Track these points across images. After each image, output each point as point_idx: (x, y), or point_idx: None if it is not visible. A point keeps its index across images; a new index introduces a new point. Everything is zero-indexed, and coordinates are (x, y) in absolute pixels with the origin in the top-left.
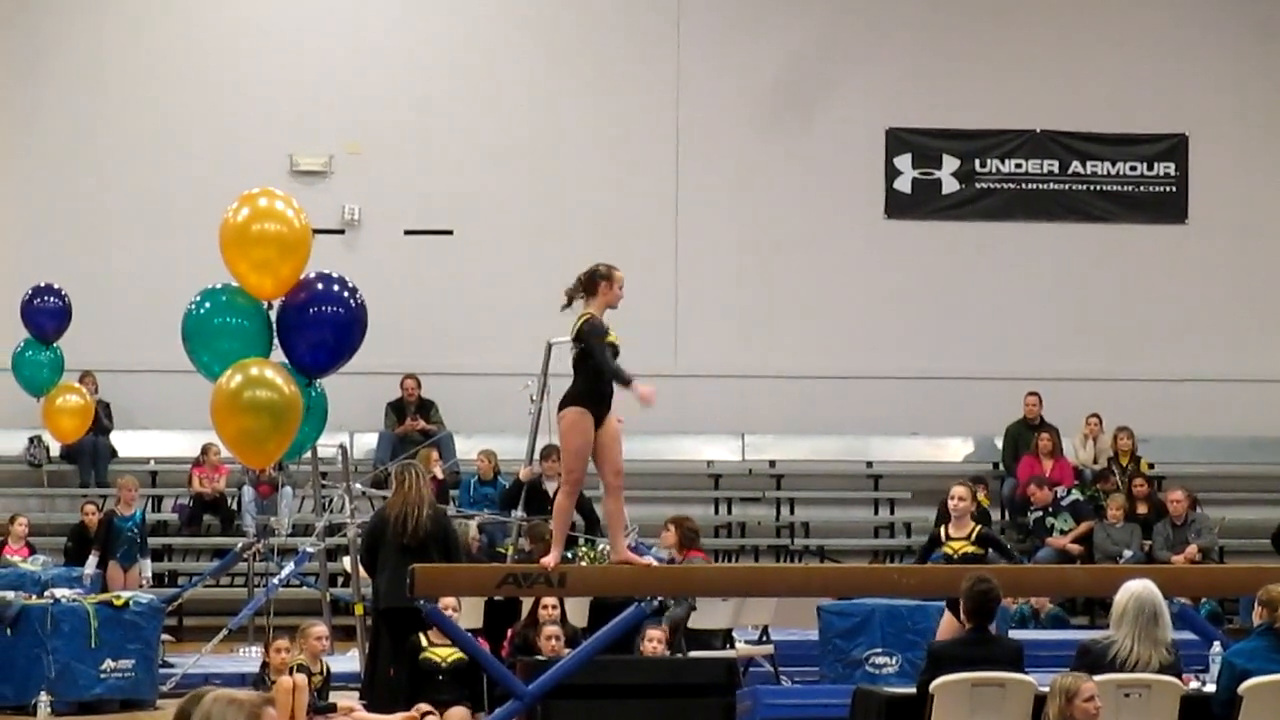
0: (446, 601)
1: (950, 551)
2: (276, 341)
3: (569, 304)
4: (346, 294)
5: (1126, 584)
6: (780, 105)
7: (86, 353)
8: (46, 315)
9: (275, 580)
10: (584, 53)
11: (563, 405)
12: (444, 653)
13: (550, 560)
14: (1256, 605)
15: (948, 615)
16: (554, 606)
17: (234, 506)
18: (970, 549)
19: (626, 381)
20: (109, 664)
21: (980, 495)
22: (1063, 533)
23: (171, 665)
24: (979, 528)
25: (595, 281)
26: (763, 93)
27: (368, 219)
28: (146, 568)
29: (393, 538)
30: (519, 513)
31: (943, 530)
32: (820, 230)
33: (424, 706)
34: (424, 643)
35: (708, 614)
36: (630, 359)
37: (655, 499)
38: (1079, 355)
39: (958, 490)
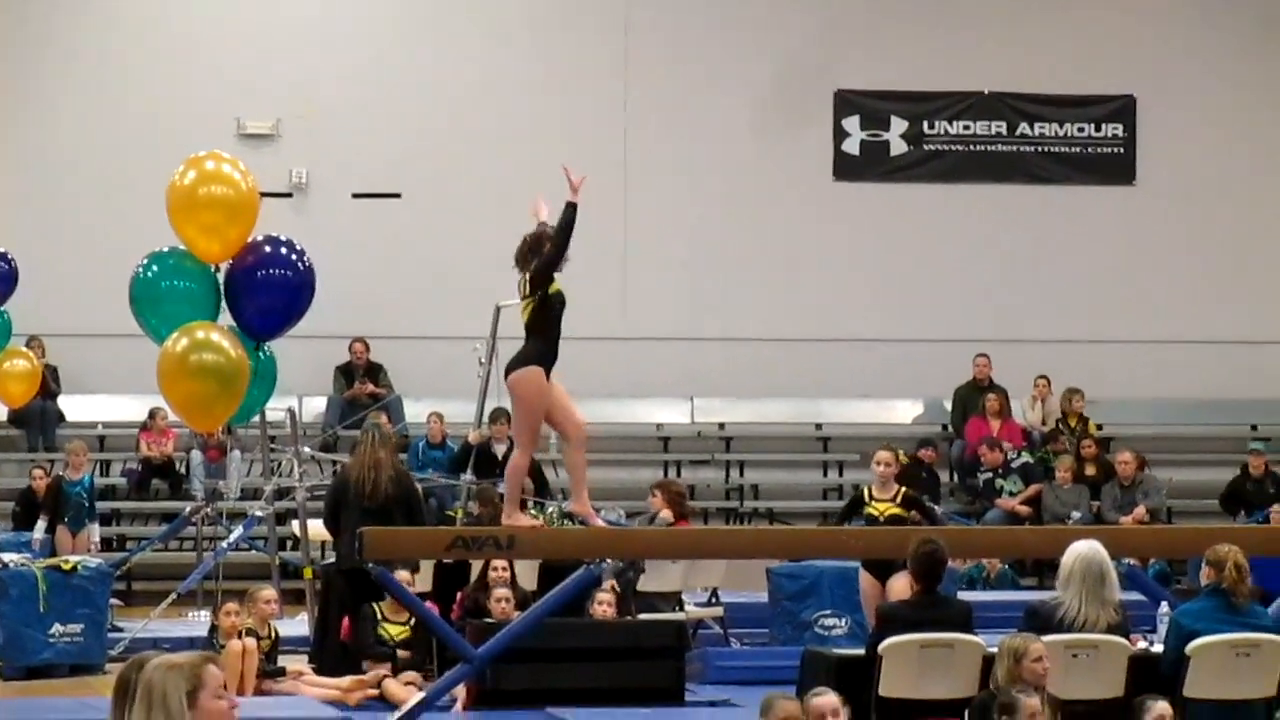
0: (403, 576)
1: (875, 513)
2: (225, 305)
3: (522, 267)
4: (294, 257)
5: (1074, 545)
6: (728, 68)
7: (34, 317)
8: None
9: (224, 544)
10: (532, 15)
11: (516, 366)
12: (395, 630)
13: (515, 520)
14: (1204, 566)
15: (865, 575)
16: (504, 569)
17: (182, 471)
18: (896, 510)
19: (572, 208)
20: (58, 629)
21: (927, 456)
22: (1012, 494)
23: (120, 630)
24: (904, 490)
25: (541, 242)
26: (711, 55)
27: (315, 182)
28: (95, 532)
29: (354, 499)
30: (468, 476)
31: (866, 492)
32: (769, 193)
33: (382, 670)
34: (379, 615)
35: (657, 577)
36: (579, 322)
37: (604, 462)
38: (1028, 317)
39: (882, 455)
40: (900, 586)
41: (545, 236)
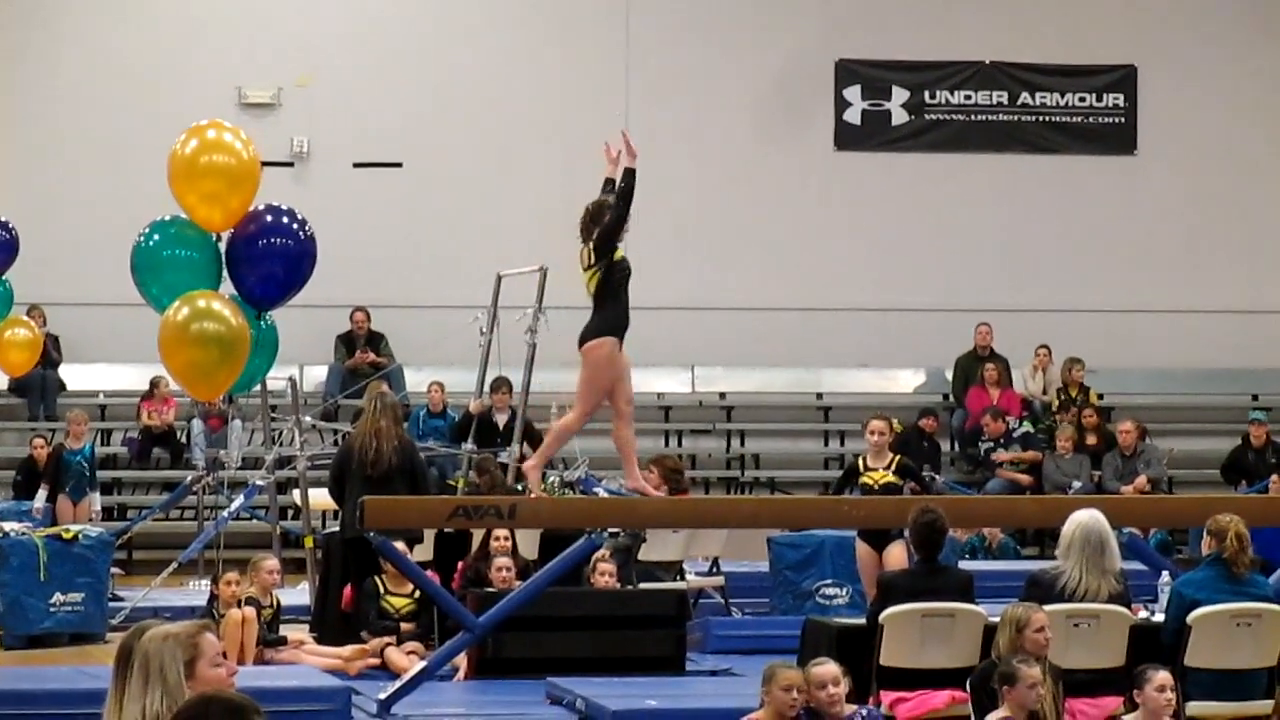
0: (400, 546)
1: (870, 482)
2: (226, 274)
3: (585, 237)
4: (296, 226)
5: (1074, 515)
6: (729, 36)
7: (34, 286)
8: None
9: (225, 514)
10: None
11: (589, 336)
12: (399, 602)
13: (531, 475)
14: (1205, 535)
15: (861, 544)
16: (506, 539)
17: (183, 440)
18: (890, 479)
19: (631, 174)
20: (59, 598)
21: (928, 425)
22: (1014, 466)
23: (121, 599)
24: (898, 458)
25: (602, 211)
26: (713, 25)
27: (317, 151)
28: (96, 501)
29: (357, 468)
30: (469, 445)
31: (861, 461)
32: (770, 162)
33: (385, 640)
34: (381, 589)
35: (658, 546)
36: (581, 291)
37: (605, 431)
38: (1029, 287)
39: (875, 424)
40: (897, 555)
41: (606, 205)
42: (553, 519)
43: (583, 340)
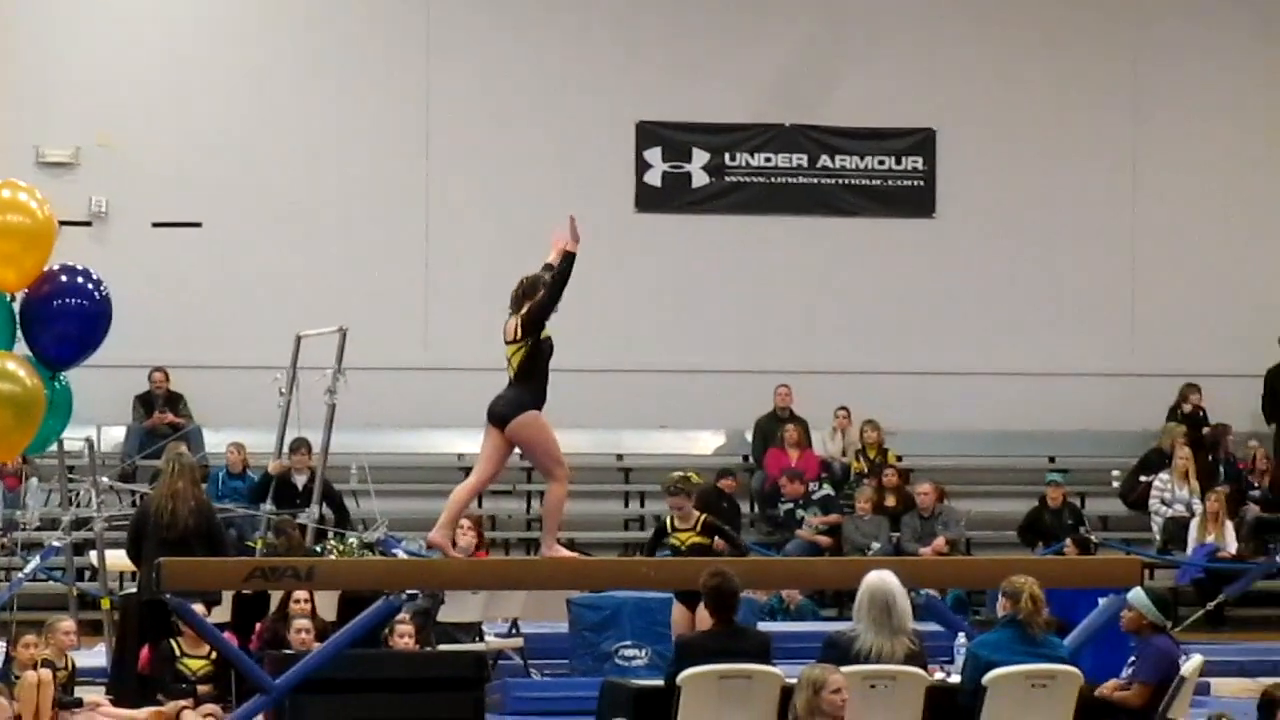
0: (199, 608)
1: (677, 543)
2: (20, 334)
3: (515, 309)
4: (91, 286)
5: (866, 576)
6: (530, 98)
7: None
8: None
9: (20, 575)
10: (335, 45)
11: (514, 413)
12: (196, 664)
13: (555, 552)
14: (1000, 597)
15: (677, 605)
16: (306, 600)
17: None
18: (697, 539)
19: (570, 258)
20: None
21: (727, 485)
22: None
23: None
24: (703, 516)
25: (537, 287)
26: (513, 85)
27: (116, 211)
28: None
29: (154, 529)
30: (268, 506)
31: (669, 522)
32: None
33: (181, 703)
34: (177, 651)
35: (457, 607)
36: (381, 351)
37: (406, 492)
38: (829, 348)
39: (678, 499)
40: (706, 616)
41: (541, 281)
42: (351, 580)
43: (508, 415)
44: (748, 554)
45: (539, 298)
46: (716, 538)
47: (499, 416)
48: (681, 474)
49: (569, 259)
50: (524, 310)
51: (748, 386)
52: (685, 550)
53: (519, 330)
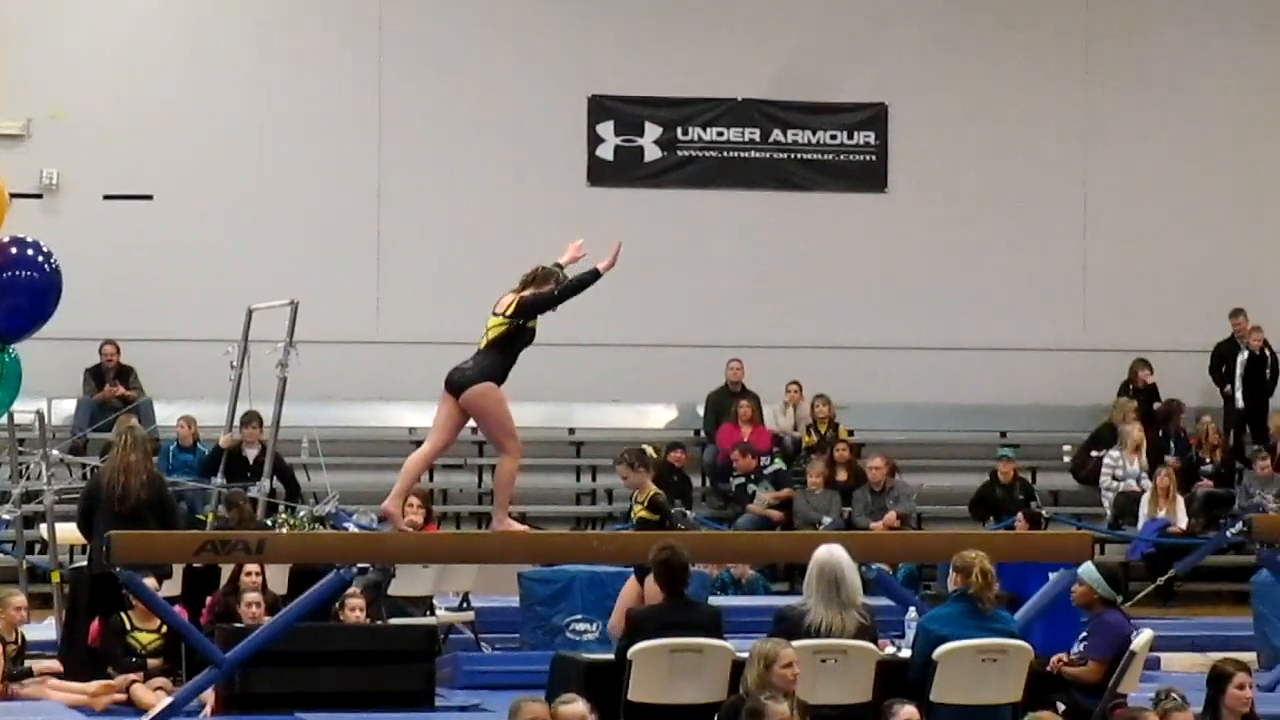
0: (149, 581)
1: (633, 518)
2: None
3: (519, 289)
4: (41, 259)
5: (816, 551)
6: (482, 71)
7: None
8: None
9: None
10: (287, 18)
11: (476, 379)
12: (146, 638)
13: (506, 526)
14: (951, 571)
15: (631, 580)
16: (256, 574)
17: None
18: (644, 514)
19: (596, 274)
20: None
21: (677, 459)
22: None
23: None
24: (653, 493)
25: (548, 280)
26: (466, 60)
27: (67, 183)
28: None
29: (106, 503)
30: (219, 480)
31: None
32: (524, 197)
33: (131, 676)
34: (127, 624)
35: (408, 581)
36: (332, 325)
37: (357, 466)
38: (781, 323)
39: (620, 469)
40: (655, 590)
41: (556, 280)
42: (302, 554)
43: (465, 383)
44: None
45: (545, 290)
46: (658, 515)
47: (456, 384)
48: (638, 446)
49: (595, 276)
50: (526, 292)
51: (699, 360)
52: (634, 524)
53: (512, 307)
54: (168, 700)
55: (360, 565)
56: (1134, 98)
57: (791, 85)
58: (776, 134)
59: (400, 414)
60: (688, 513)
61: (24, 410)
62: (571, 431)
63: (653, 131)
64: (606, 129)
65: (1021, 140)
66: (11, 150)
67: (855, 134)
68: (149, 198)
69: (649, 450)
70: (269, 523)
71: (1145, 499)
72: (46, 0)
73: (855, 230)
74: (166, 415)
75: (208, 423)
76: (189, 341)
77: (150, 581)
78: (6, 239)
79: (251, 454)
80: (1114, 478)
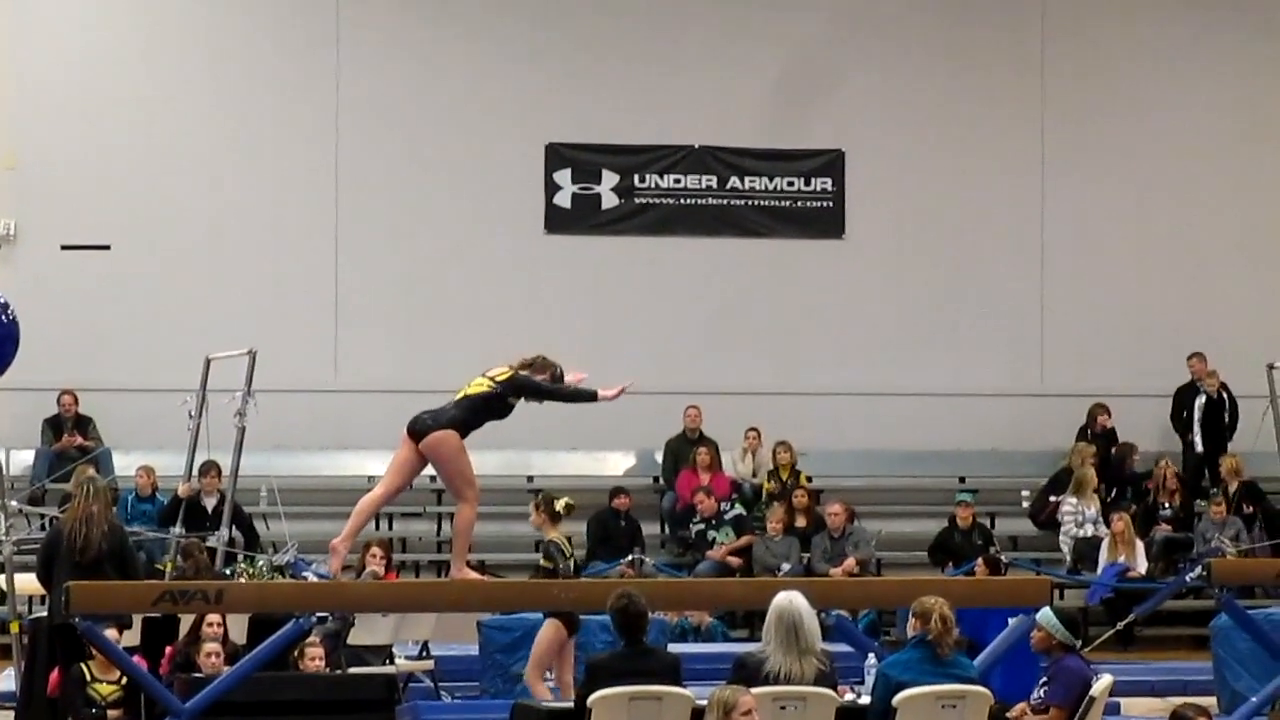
0: (110, 632)
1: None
2: None
3: (518, 366)
4: None
5: (775, 598)
6: (439, 120)
7: None
8: None
9: None
10: (244, 69)
11: (444, 426)
12: (106, 689)
13: (464, 574)
14: (910, 617)
15: (548, 623)
16: (217, 624)
17: None
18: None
19: (593, 395)
20: None
21: (620, 504)
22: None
23: None
24: (549, 539)
25: (545, 371)
26: (422, 108)
27: (24, 233)
28: None
29: (66, 554)
30: (177, 529)
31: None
32: (481, 245)
33: None
34: (88, 675)
35: (367, 630)
36: (290, 374)
37: (316, 515)
38: (739, 369)
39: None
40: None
41: (554, 376)
42: (260, 603)
43: (426, 430)
44: None
45: (540, 379)
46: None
47: (418, 430)
48: (550, 493)
49: (591, 398)
50: (521, 371)
51: (658, 407)
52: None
53: (503, 376)
54: None
55: (319, 614)
56: (1090, 142)
57: (748, 132)
58: (734, 181)
59: (359, 462)
60: (645, 559)
61: None
62: (530, 479)
63: (610, 179)
64: (564, 176)
65: (978, 186)
66: None
67: (812, 180)
68: (106, 248)
69: (559, 503)
70: (228, 572)
71: (1105, 544)
72: (1, 50)
73: (813, 276)
74: (125, 465)
75: (166, 472)
76: (147, 391)
77: (111, 632)
78: None
79: (210, 503)
80: (1075, 524)
